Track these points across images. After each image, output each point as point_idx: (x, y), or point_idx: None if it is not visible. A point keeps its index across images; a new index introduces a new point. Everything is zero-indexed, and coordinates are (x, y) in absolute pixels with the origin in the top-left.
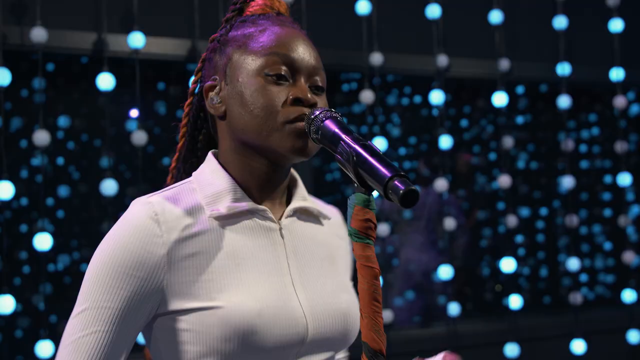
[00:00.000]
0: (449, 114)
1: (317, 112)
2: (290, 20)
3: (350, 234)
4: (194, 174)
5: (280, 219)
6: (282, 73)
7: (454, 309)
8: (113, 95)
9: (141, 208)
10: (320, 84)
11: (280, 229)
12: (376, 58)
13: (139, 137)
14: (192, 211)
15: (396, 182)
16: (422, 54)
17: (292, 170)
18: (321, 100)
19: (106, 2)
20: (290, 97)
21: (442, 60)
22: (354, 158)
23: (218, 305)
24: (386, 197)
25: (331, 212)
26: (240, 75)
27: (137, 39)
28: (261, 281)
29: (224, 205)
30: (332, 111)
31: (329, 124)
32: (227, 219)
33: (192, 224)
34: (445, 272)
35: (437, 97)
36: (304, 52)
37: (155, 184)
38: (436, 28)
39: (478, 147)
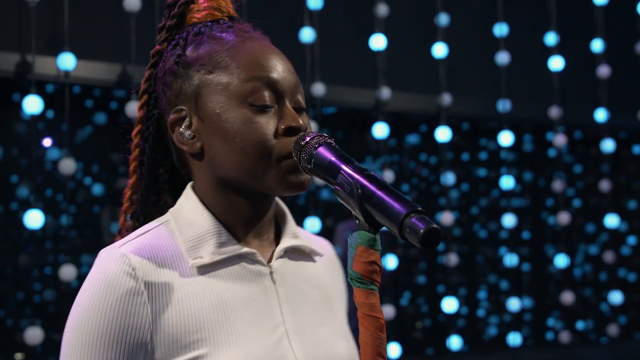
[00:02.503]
0: (389, 147)
1: (308, 138)
2: (251, 27)
3: (351, 279)
4: (170, 210)
5: (270, 261)
6: (267, 100)
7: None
8: (32, 121)
9: (114, 262)
10: (302, 104)
11: (271, 272)
12: (318, 89)
13: (67, 166)
14: (173, 259)
15: (414, 220)
16: (363, 87)
17: (279, 201)
18: (305, 120)
19: (34, 22)
20: (282, 127)
21: (386, 93)
22: (359, 191)
23: None
24: (402, 237)
25: (323, 246)
26: (217, 106)
27: (67, 61)
28: (253, 335)
29: (207, 252)
30: (325, 136)
31: (323, 151)
32: (212, 266)
33: (174, 275)
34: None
35: (380, 130)
36: (284, 71)
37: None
38: (382, 60)
39: (416, 180)
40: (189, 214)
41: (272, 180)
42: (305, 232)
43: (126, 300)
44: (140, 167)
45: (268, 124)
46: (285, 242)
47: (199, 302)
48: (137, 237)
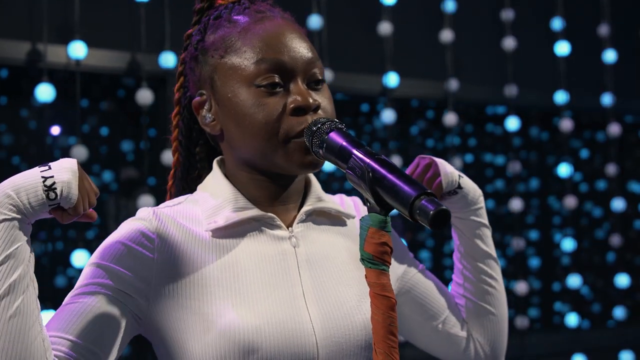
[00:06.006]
0: (396, 133)
1: (320, 124)
2: (269, 7)
3: (362, 259)
4: (199, 186)
5: (291, 225)
6: (276, 81)
7: None
8: (40, 109)
9: (142, 214)
10: (319, 77)
11: (292, 236)
12: (325, 76)
13: (79, 153)
14: (191, 224)
15: (424, 202)
16: (371, 73)
17: None
18: (323, 95)
19: (45, 10)
20: (290, 106)
21: (393, 79)
22: (370, 175)
23: (212, 320)
24: (412, 218)
25: (350, 205)
26: (229, 90)
27: (78, 50)
28: (264, 295)
29: (223, 216)
30: (337, 122)
31: (335, 136)
32: (229, 230)
33: (189, 236)
34: None
35: (387, 116)
36: (294, 49)
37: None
38: (389, 47)
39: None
40: (211, 187)
41: (282, 159)
42: (334, 197)
43: (140, 239)
44: (180, 147)
45: (277, 104)
46: (308, 206)
47: (208, 260)
48: (166, 204)
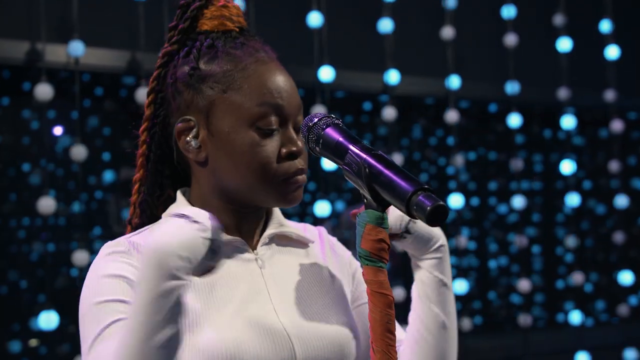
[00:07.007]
0: (398, 131)
1: (316, 119)
2: (261, 45)
3: (360, 256)
4: (163, 215)
5: (255, 247)
6: (274, 125)
7: None
8: (41, 109)
9: (114, 243)
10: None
11: (257, 258)
12: (326, 73)
13: (78, 152)
14: None
15: (421, 198)
16: (371, 71)
17: None
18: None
19: (43, 10)
20: (284, 151)
21: (394, 76)
22: (367, 170)
23: (191, 338)
24: (409, 214)
25: (313, 232)
26: (227, 125)
27: (77, 49)
28: (239, 309)
29: None
30: (333, 117)
31: (331, 132)
32: None
33: None
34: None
35: (388, 114)
36: (290, 95)
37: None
38: (388, 44)
39: (426, 164)
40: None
41: (273, 197)
42: (295, 223)
43: (123, 260)
44: (147, 163)
45: (272, 147)
46: (270, 230)
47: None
48: (130, 235)
